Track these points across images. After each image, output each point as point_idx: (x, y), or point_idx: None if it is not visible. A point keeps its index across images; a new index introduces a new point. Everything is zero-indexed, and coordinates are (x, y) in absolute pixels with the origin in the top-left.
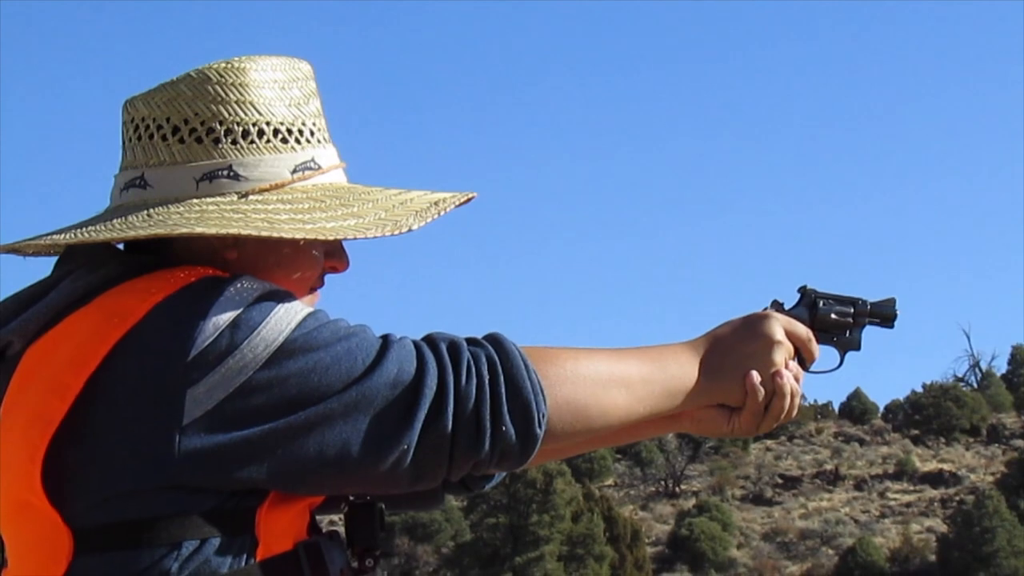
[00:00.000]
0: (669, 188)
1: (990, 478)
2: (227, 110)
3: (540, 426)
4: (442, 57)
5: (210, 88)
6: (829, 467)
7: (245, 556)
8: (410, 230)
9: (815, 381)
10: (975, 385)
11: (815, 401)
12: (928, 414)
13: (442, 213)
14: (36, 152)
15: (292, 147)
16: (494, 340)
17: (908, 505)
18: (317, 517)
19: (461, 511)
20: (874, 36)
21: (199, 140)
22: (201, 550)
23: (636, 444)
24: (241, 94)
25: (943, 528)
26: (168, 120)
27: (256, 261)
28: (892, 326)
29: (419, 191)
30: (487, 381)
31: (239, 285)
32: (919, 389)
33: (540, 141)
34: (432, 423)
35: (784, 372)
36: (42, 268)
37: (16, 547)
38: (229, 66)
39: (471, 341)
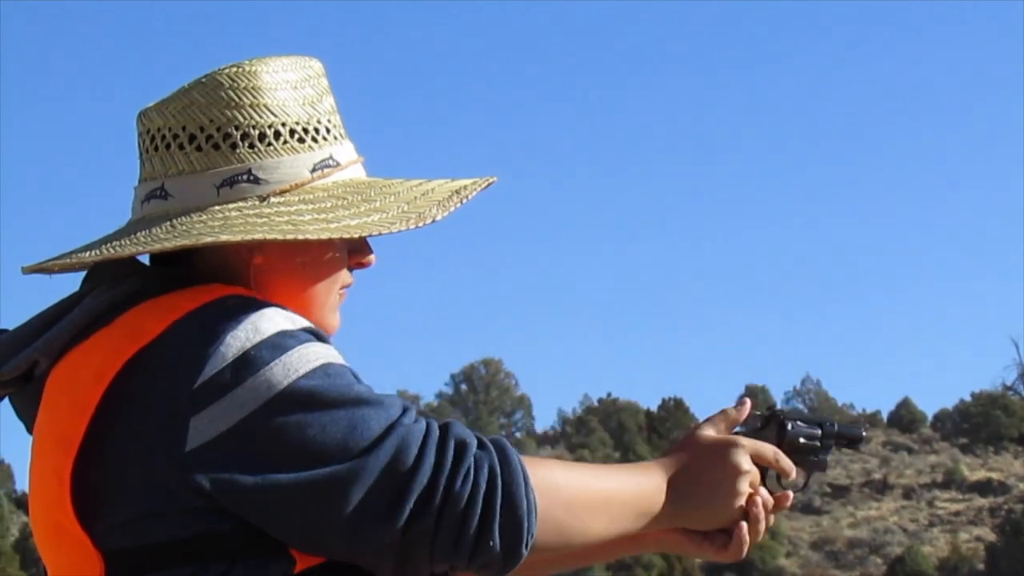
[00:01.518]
0: (694, 192)
1: None
2: (242, 114)
3: (526, 546)
4: (456, 47)
5: (223, 93)
6: (878, 476)
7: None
8: (434, 221)
9: (864, 389)
10: (1023, 394)
11: (864, 410)
12: (977, 423)
13: (464, 201)
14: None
15: (309, 146)
16: (500, 449)
17: (957, 514)
18: None
19: None
20: (921, 40)
21: (216, 147)
22: (232, 571)
23: None
24: (255, 97)
25: (992, 537)
26: (184, 129)
27: (282, 263)
28: (858, 448)
29: (439, 180)
30: (483, 491)
31: (260, 314)
32: (968, 398)
33: (558, 139)
34: (416, 519)
35: (756, 499)
36: (69, 287)
37: (54, 571)
38: (240, 70)
39: (479, 443)
